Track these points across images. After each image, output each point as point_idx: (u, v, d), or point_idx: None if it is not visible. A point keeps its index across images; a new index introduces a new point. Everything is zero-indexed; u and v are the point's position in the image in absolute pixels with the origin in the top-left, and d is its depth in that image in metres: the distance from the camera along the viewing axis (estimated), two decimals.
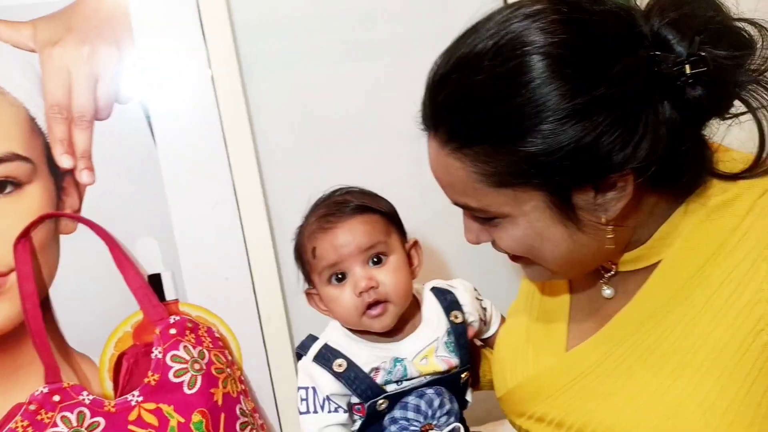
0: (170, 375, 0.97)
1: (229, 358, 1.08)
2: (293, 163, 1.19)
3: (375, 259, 0.81)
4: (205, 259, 1.12)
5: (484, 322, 0.93)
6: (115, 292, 1.07)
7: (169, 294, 1.10)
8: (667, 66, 0.57)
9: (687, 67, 0.56)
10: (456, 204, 0.68)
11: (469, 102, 0.60)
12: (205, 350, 1.02)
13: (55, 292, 1.07)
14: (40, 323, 0.99)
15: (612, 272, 0.70)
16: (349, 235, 0.80)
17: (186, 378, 0.98)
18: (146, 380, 0.97)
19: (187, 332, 1.02)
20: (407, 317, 0.85)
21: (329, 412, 0.80)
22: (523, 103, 0.56)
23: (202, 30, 1.11)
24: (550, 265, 0.66)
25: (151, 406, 0.96)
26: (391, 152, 1.21)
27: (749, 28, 0.58)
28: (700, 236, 0.62)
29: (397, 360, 0.81)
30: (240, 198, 1.13)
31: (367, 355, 0.81)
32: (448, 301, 0.88)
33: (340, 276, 0.82)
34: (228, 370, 1.04)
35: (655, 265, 0.65)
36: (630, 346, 0.64)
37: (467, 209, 0.67)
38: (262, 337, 1.13)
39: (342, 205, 0.84)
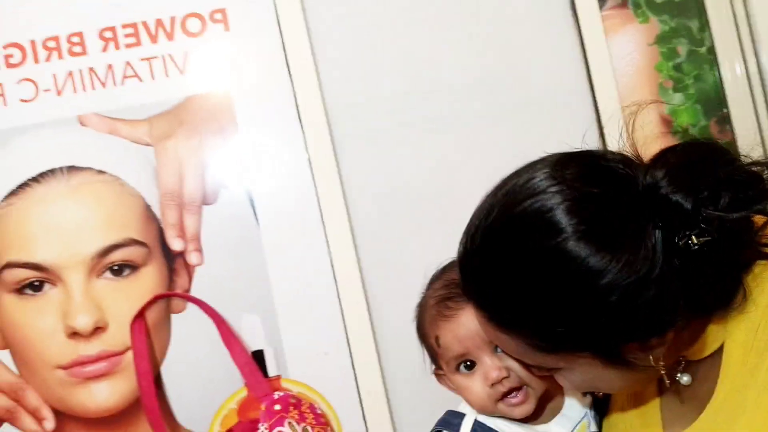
0: None
1: None
2: (387, 237, 1.21)
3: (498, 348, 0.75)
4: (305, 335, 1.14)
5: None
6: (221, 369, 1.11)
7: (272, 370, 1.13)
8: (679, 235, 0.57)
9: (693, 237, 0.57)
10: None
11: (506, 292, 0.61)
12: (308, 426, 1.03)
13: (166, 370, 1.12)
14: (154, 401, 1.04)
15: (683, 363, 0.68)
16: (473, 325, 0.73)
17: None
18: None
19: (291, 408, 1.03)
20: (549, 394, 0.80)
21: None
22: (559, 291, 0.58)
23: (299, 116, 1.18)
24: (613, 392, 0.73)
25: None
26: None
27: None
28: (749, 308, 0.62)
29: None
30: (337, 273, 1.16)
31: None
32: None
33: (468, 364, 0.76)
34: None
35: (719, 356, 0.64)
36: (726, 425, 0.62)
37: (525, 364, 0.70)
38: (362, 413, 1.13)
39: (461, 284, 0.78)
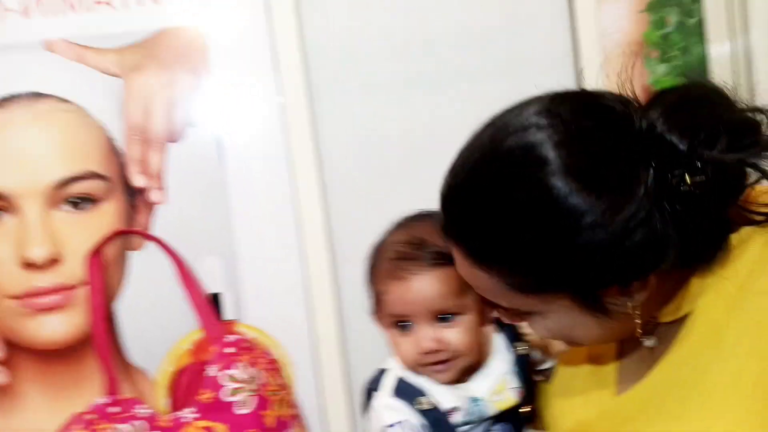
0: (225, 394, 0.97)
1: (283, 381, 1.07)
2: (357, 190, 1.19)
3: (444, 318, 0.76)
4: (265, 281, 1.13)
5: (542, 353, 0.89)
6: (177, 309, 1.09)
7: (229, 314, 1.12)
8: (671, 175, 0.56)
9: (687, 176, 0.55)
10: (486, 303, 0.70)
11: (487, 225, 0.59)
12: (260, 371, 1.02)
13: (119, 307, 1.10)
14: (104, 337, 1.02)
15: (651, 324, 0.67)
16: (420, 293, 0.75)
17: (240, 398, 0.98)
18: (200, 398, 0.97)
19: (244, 352, 1.02)
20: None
21: None
22: (542, 227, 0.56)
23: (274, 59, 1.15)
24: (584, 343, 0.69)
25: (205, 424, 0.96)
26: None
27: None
28: (723, 277, 0.61)
29: (473, 400, 0.78)
30: (303, 223, 1.14)
31: (444, 393, 0.77)
32: (512, 333, 0.84)
33: (405, 325, 0.77)
34: (282, 392, 1.03)
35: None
36: (673, 388, 0.62)
37: (498, 307, 0.68)
38: (316, 362, 1.12)
39: (422, 248, 0.77)
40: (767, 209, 0.61)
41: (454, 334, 0.76)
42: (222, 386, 0.97)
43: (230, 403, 0.97)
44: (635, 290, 0.59)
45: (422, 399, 0.76)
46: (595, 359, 0.75)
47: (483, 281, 0.62)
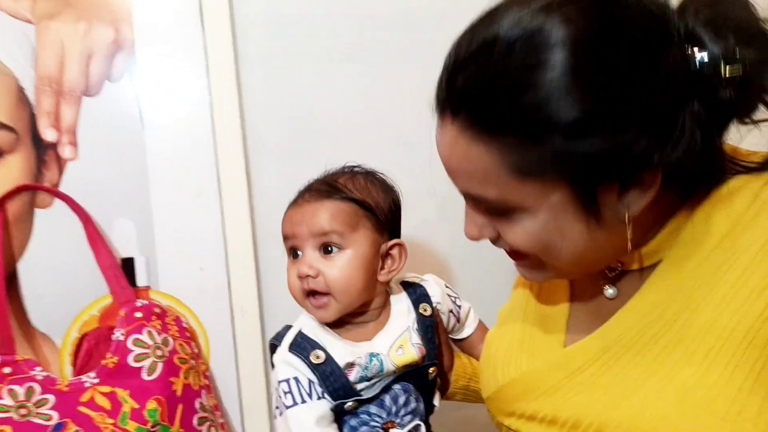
0: (130, 359, 0.93)
1: (195, 350, 1.03)
2: (282, 161, 1.16)
3: (326, 249, 0.78)
4: (182, 247, 1.08)
5: (458, 320, 0.89)
6: (86, 273, 1.04)
7: (141, 280, 1.07)
8: (703, 66, 0.54)
9: (725, 68, 0.54)
10: (467, 195, 0.63)
11: (498, 89, 0.55)
12: (170, 338, 0.98)
13: (23, 268, 1.03)
14: (3, 299, 0.95)
15: (616, 271, 0.67)
16: (305, 217, 0.78)
17: (146, 363, 0.93)
18: (104, 362, 0.93)
19: (154, 318, 0.98)
20: (377, 310, 0.82)
21: (318, 399, 0.75)
22: (555, 96, 0.52)
23: (202, 19, 1.11)
24: (561, 263, 0.62)
25: (106, 389, 0.91)
26: (385, 158, 1.19)
27: None
28: (703, 230, 0.61)
29: (372, 355, 0.77)
30: (223, 190, 1.10)
31: (342, 349, 0.77)
32: (417, 294, 0.85)
33: (295, 253, 0.80)
34: (192, 362, 0.99)
35: (654, 265, 0.64)
36: (632, 338, 0.61)
37: (480, 201, 0.61)
38: (233, 333, 1.09)
39: (325, 184, 0.82)
40: (756, 159, 0.62)
41: (331, 267, 0.77)
42: (127, 350, 0.93)
43: (135, 369, 0.92)
44: (631, 193, 0.57)
45: (315, 353, 0.75)
46: (544, 309, 0.74)
47: (479, 161, 0.57)
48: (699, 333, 0.57)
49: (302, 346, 0.77)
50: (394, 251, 0.82)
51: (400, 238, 0.84)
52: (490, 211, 0.62)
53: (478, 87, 0.57)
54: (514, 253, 0.66)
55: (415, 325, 0.81)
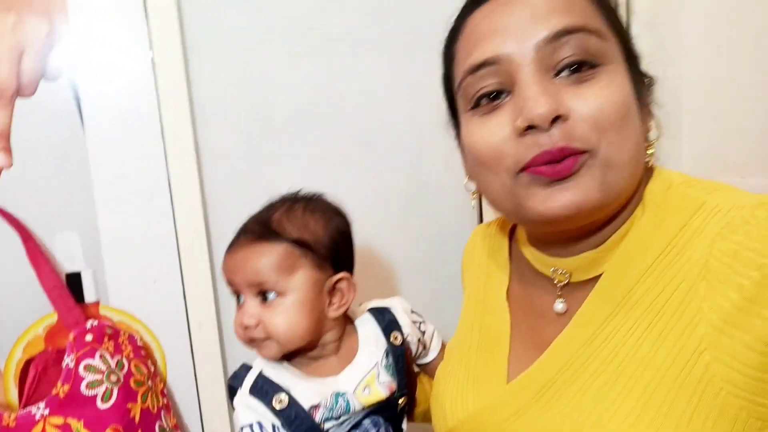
0: (82, 386, 0.88)
1: (152, 369, 0.99)
2: (235, 159, 1.10)
3: (264, 296, 0.74)
4: (132, 258, 1.02)
5: (423, 345, 0.87)
6: (28, 290, 0.97)
7: (89, 295, 1.00)
8: None
9: None
10: (561, 32, 0.58)
11: None
12: (124, 360, 0.93)
13: None
14: None
15: (564, 282, 0.66)
16: (239, 265, 0.75)
17: (100, 390, 0.88)
18: (54, 391, 0.87)
19: (106, 339, 0.92)
20: (342, 344, 0.79)
21: None
22: None
23: (145, 8, 1.02)
24: (624, 153, 0.58)
25: (58, 420, 0.86)
26: (340, 154, 1.15)
27: None
28: (638, 249, 0.61)
29: (338, 395, 0.74)
30: (175, 194, 1.04)
31: (305, 389, 0.74)
32: (387, 321, 0.82)
33: (239, 297, 0.77)
34: (149, 382, 0.95)
35: (597, 278, 0.63)
36: (573, 374, 0.61)
37: (581, 32, 0.58)
38: (190, 346, 1.04)
39: (259, 224, 0.77)
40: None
41: (271, 314, 0.74)
42: (79, 378, 0.87)
43: (89, 397, 0.87)
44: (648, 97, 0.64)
45: (278, 397, 0.72)
46: (487, 338, 0.73)
47: None
48: (637, 369, 0.57)
49: (264, 390, 0.73)
50: (342, 285, 0.78)
51: (348, 268, 0.80)
52: (575, 64, 0.58)
53: None
54: (565, 157, 0.58)
55: (384, 360, 0.78)
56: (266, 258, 0.74)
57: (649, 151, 0.64)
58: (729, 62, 1.07)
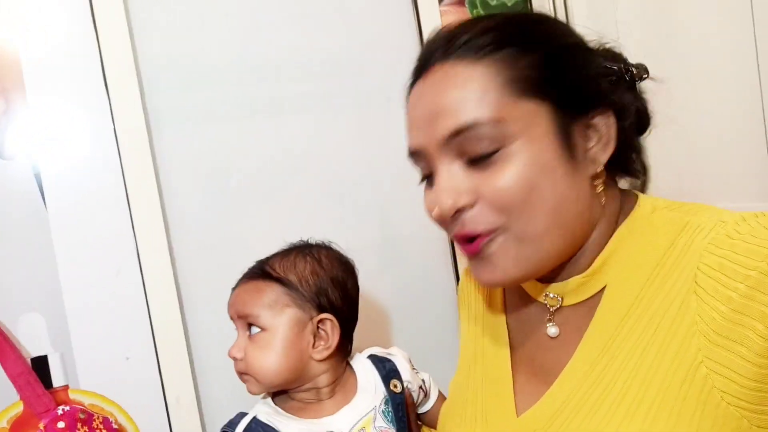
0: None
1: None
2: (204, 224, 1.08)
3: (251, 329, 0.78)
4: (102, 336, 0.98)
5: (425, 392, 0.86)
6: None
7: (57, 380, 0.95)
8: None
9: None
10: (455, 134, 0.61)
11: (500, 22, 0.65)
12: None
13: None
14: None
15: (557, 306, 0.68)
16: (234, 299, 0.81)
17: None
18: None
19: (79, 425, 0.87)
20: (340, 387, 0.80)
21: None
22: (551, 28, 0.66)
23: (105, 80, 1.01)
24: (537, 224, 0.61)
25: None
26: (304, 210, 1.14)
27: None
28: (629, 272, 0.63)
29: None
30: (144, 264, 1.01)
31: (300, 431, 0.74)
32: (387, 370, 0.82)
33: (238, 332, 0.81)
34: None
35: (595, 303, 0.64)
36: (580, 399, 0.61)
37: (469, 137, 0.61)
38: (168, 424, 0.99)
39: (258, 265, 0.83)
40: None
41: (252, 349, 0.77)
42: None
43: None
44: (596, 141, 0.63)
45: None
46: (491, 373, 0.73)
47: (478, 80, 0.61)
48: (641, 387, 0.57)
49: None
50: (325, 326, 0.79)
51: (339, 314, 0.80)
52: (476, 155, 0.61)
53: (482, 25, 0.64)
54: (475, 237, 0.63)
55: (383, 406, 0.78)
56: (254, 293, 0.79)
57: (598, 187, 0.64)
58: None
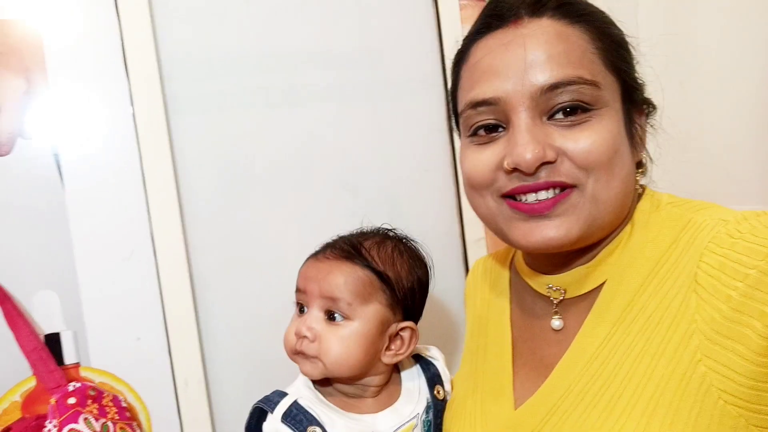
0: None
1: (138, 431, 0.94)
2: (218, 211, 1.09)
3: (332, 315, 0.73)
4: (114, 316, 0.99)
5: None
6: (4, 354, 0.92)
7: (69, 357, 0.96)
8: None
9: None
10: (552, 86, 0.61)
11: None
12: (109, 423, 0.89)
13: None
14: None
15: (560, 299, 0.68)
16: (320, 274, 0.74)
17: None
18: None
19: (89, 402, 0.88)
20: (384, 390, 0.77)
21: None
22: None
23: (125, 64, 1.02)
24: (610, 190, 0.62)
25: None
26: (317, 200, 1.15)
27: None
28: (631, 266, 0.63)
29: None
30: (158, 248, 1.02)
31: (343, 426, 0.71)
32: (432, 374, 0.80)
33: (302, 308, 0.76)
34: None
35: (596, 297, 0.65)
36: (578, 395, 0.61)
37: (572, 84, 0.61)
38: (177, 406, 1.01)
39: (350, 245, 0.77)
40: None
41: (330, 335, 0.73)
42: None
43: None
44: (641, 126, 0.67)
45: (312, 429, 0.69)
46: (492, 367, 0.74)
47: (576, 42, 0.62)
48: (639, 383, 0.58)
49: (297, 418, 0.70)
50: (405, 333, 0.77)
51: (415, 320, 0.79)
52: (566, 112, 0.62)
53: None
54: (555, 189, 0.62)
55: (424, 415, 0.76)
56: (348, 277, 0.73)
57: (639, 178, 0.67)
58: None
